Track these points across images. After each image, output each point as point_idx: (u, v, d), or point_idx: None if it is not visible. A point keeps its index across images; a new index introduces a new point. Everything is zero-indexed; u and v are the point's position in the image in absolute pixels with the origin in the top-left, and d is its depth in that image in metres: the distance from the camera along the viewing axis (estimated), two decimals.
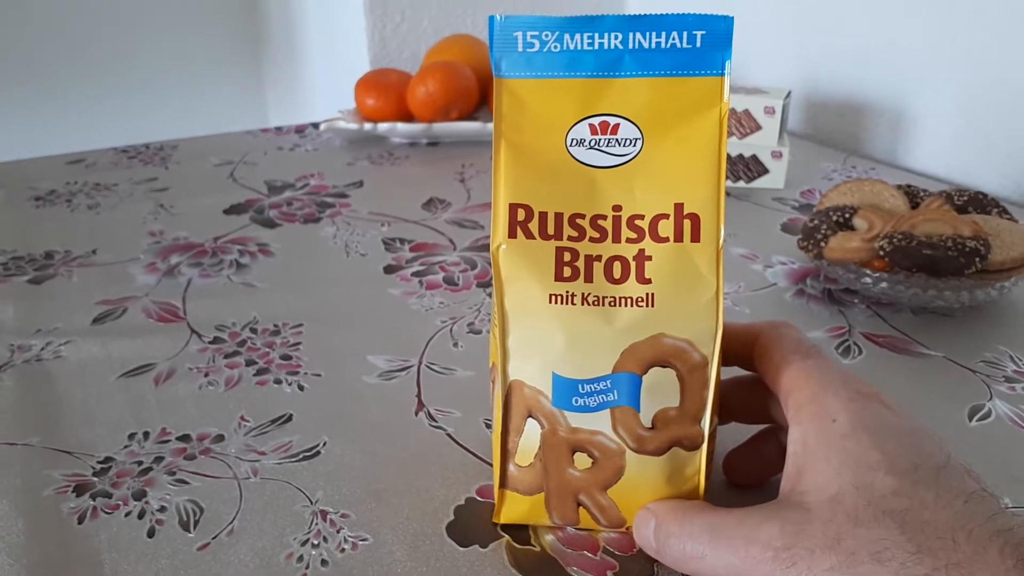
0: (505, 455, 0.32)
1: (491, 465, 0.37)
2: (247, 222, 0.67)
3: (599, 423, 0.31)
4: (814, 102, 0.89)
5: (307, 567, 0.32)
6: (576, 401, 0.30)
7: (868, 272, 0.50)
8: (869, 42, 0.82)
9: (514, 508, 0.33)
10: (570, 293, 0.30)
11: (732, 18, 0.29)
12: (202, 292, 0.55)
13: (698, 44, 0.29)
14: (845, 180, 0.59)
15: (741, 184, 0.73)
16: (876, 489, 0.26)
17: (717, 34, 0.29)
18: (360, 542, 0.34)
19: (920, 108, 0.79)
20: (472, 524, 0.34)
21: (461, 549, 0.33)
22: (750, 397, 0.35)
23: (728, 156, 0.71)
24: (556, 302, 0.30)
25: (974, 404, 0.42)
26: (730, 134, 0.71)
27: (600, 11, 1.12)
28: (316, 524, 0.35)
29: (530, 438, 0.32)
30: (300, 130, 0.92)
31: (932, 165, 0.78)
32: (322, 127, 0.87)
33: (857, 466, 0.27)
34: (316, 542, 0.34)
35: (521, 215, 0.30)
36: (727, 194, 0.71)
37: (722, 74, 0.30)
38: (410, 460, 0.38)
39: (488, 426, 0.41)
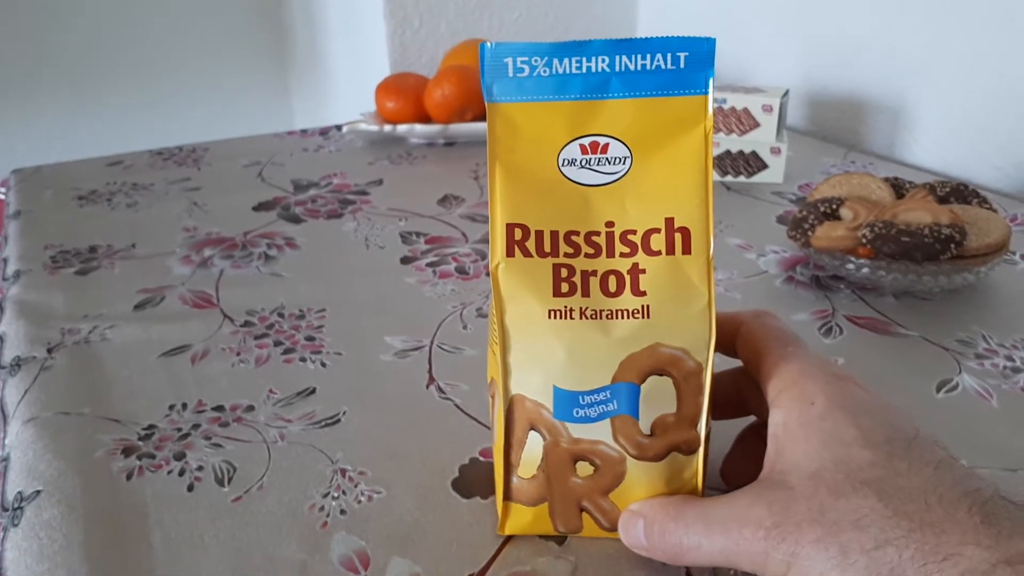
0: (508, 468, 0.33)
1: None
2: (274, 218, 0.71)
3: (600, 433, 0.32)
4: (815, 100, 0.92)
5: (327, 516, 0.37)
6: (577, 412, 0.31)
7: (852, 258, 0.53)
8: (868, 41, 0.85)
9: (518, 519, 0.34)
10: (568, 308, 0.31)
11: (714, 40, 0.31)
12: (233, 281, 0.59)
13: (682, 65, 0.31)
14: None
15: (741, 179, 0.76)
16: (853, 463, 0.28)
17: (700, 55, 0.31)
18: (375, 495, 0.38)
19: (917, 104, 0.82)
20: (474, 480, 0.38)
21: (464, 501, 0.37)
22: (726, 391, 0.36)
23: (728, 152, 0.75)
24: (555, 317, 0.31)
25: (943, 378, 0.45)
26: (730, 131, 0.75)
27: (609, 22, 1.16)
28: (336, 480, 0.39)
29: (532, 450, 0.32)
30: (324, 132, 0.97)
31: (929, 159, 0.81)
32: (345, 129, 0.91)
33: (835, 443, 0.28)
34: (336, 495, 0.38)
35: (518, 234, 0.31)
36: (727, 188, 0.75)
37: (705, 93, 0.31)
38: (421, 427, 0.43)
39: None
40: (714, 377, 0.36)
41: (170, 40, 1.63)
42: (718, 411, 0.37)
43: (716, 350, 0.35)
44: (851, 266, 0.54)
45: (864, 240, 0.53)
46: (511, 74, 0.31)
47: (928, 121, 0.81)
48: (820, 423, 0.29)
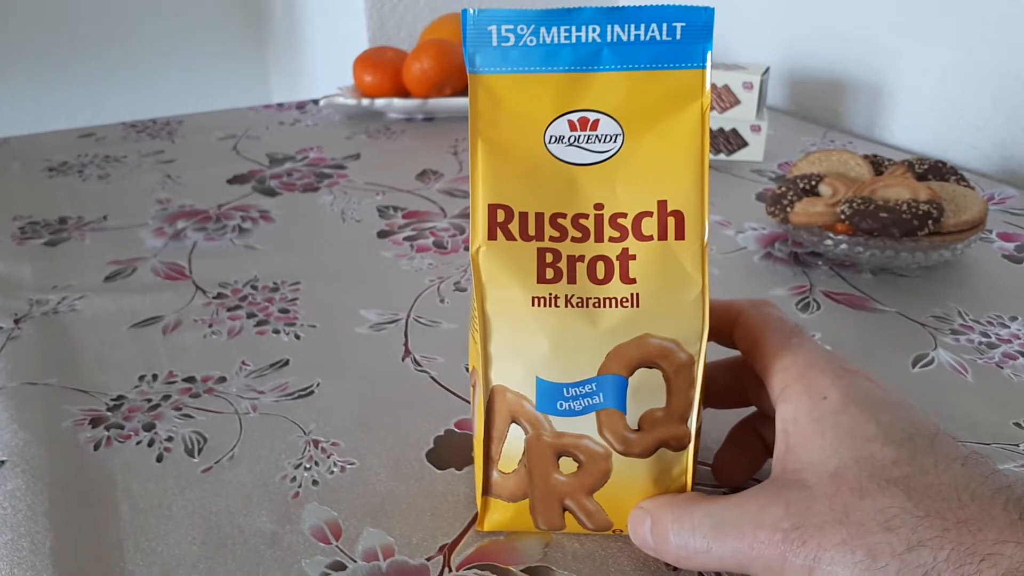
0: (488, 462, 0.32)
1: (470, 403, 0.41)
2: (249, 191, 0.70)
3: (584, 427, 0.30)
4: (796, 79, 0.92)
5: (299, 486, 0.36)
6: (561, 405, 0.30)
7: (830, 235, 0.53)
8: (849, 22, 0.85)
9: (498, 515, 0.33)
10: (553, 295, 0.29)
11: (712, 9, 0.29)
12: (207, 253, 0.58)
13: (678, 36, 0.29)
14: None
15: (722, 156, 0.76)
16: (876, 460, 0.26)
17: (697, 26, 0.29)
18: (348, 466, 0.37)
19: (896, 85, 0.82)
20: (449, 451, 0.38)
21: (438, 471, 0.37)
22: (725, 382, 0.35)
23: (709, 129, 0.75)
24: (539, 305, 0.29)
25: (919, 353, 0.46)
26: (710, 108, 0.74)
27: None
28: (309, 451, 0.38)
29: (514, 444, 0.31)
30: (300, 106, 0.95)
31: (907, 139, 0.81)
32: (321, 103, 0.90)
33: (854, 440, 0.27)
34: (308, 466, 0.37)
35: (501, 216, 0.30)
36: None
37: (703, 67, 0.29)
38: (396, 398, 0.42)
39: (468, 371, 0.44)
40: (712, 366, 0.35)
41: (145, 11, 1.60)
42: (717, 401, 0.36)
43: (713, 340, 0.33)
44: (829, 242, 0.54)
45: (843, 216, 0.53)
46: (495, 43, 0.29)
47: (907, 101, 0.81)
48: (835, 418, 0.28)
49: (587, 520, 0.32)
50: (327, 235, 0.62)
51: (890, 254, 0.52)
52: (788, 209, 0.55)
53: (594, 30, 0.29)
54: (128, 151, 0.80)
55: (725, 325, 0.34)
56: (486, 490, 0.32)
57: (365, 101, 0.88)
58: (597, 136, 0.30)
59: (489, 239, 0.30)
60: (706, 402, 0.36)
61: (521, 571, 0.31)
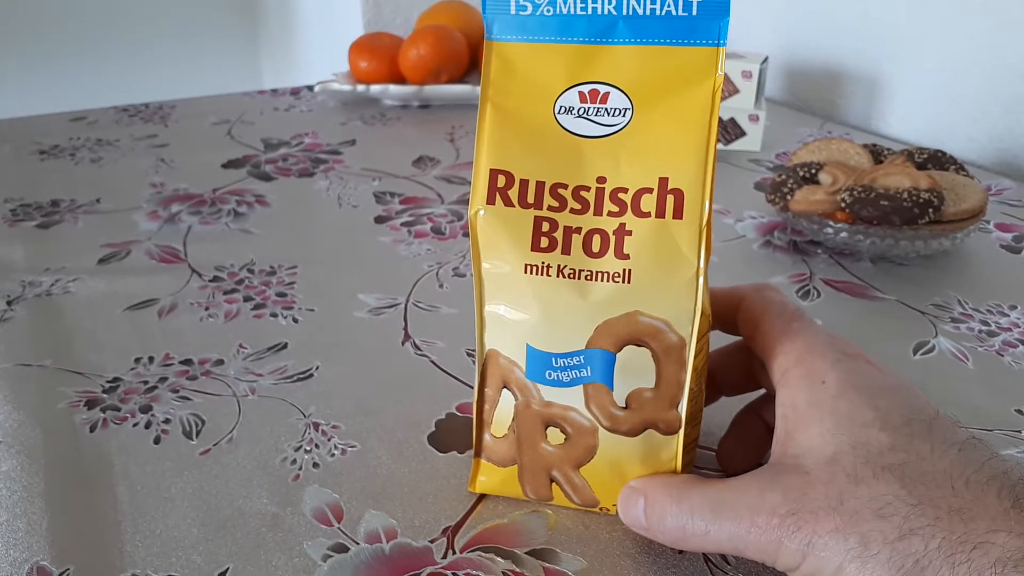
0: (481, 424, 0.32)
1: (471, 387, 0.41)
2: (244, 176, 0.69)
3: (572, 399, 0.30)
4: (794, 70, 0.92)
5: (300, 468, 0.36)
6: (549, 375, 0.30)
7: (830, 223, 0.53)
8: (846, 13, 0.85)
9: (489, 478, 0.33)
10: (546, 264, 0.29)
11: None
12: (202, 237, 0.58)
13: (694, 12, 0.28)
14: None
15: (719, 146, 0.76)
16: (873, 446, 0.26)
17: (714, 2, 0.28)
18: (349, 448, 0.37)
19: (893, 76, 0.82)
20: (451, 434, 0.38)
21: (440, 455, 0.36)
22: (733, 366, 0.35)
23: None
24: (531, 272, 0.29)
25: (919, 340, 0.45)
26: None
27: None
28: (309, 434, 0.38)
29: (505, 409, 0.31)
30: (295, 92, 0.95)
31: (904, 131, 0.81)
32: (316, 89, 0.89)
33: (851, 425, 0.27)
34: (308, 448, 0.37)
35: (501, 181, 0.30)
36: None
37: (718, 44, 0.29)
38: (396, 382, 0.42)
39: (469, 355, 0.44)
40: (723, 350, 0.35)
41: None
42: (731, 385, 0.36)
43: (716, 327, 0.33)
44: (829, 231, 0.53)
45: (843, 204, 0.52)
46: (513, 11, 0.30)
47: (903, 93, 0.81)
48: (834, 403, 0.27)
49: (573, 494, 0.32)
50: (324, 220, 0.61)
51: (890, 242, 0.52)
52: (788, 197, 0.55)
53: (610, 2, 0.29)
54: (121, 135, 0.79)
55: (728, 311, 0.33)
56: (478, 452, 0.33)
57: (360, 87, 0.87)
58: (606, 109, 0.30)
59: (488, 203, 0.30)
60: (721, 388, 0.36)
61: (525, 553, 0.31)
